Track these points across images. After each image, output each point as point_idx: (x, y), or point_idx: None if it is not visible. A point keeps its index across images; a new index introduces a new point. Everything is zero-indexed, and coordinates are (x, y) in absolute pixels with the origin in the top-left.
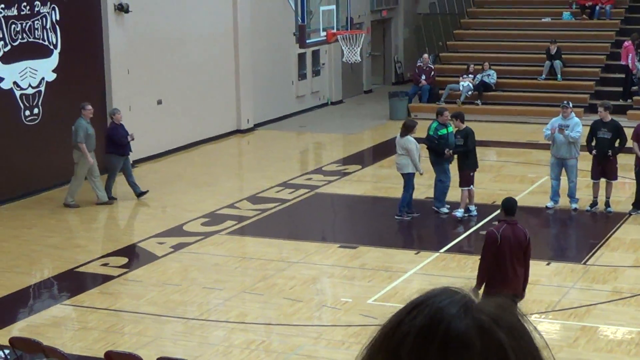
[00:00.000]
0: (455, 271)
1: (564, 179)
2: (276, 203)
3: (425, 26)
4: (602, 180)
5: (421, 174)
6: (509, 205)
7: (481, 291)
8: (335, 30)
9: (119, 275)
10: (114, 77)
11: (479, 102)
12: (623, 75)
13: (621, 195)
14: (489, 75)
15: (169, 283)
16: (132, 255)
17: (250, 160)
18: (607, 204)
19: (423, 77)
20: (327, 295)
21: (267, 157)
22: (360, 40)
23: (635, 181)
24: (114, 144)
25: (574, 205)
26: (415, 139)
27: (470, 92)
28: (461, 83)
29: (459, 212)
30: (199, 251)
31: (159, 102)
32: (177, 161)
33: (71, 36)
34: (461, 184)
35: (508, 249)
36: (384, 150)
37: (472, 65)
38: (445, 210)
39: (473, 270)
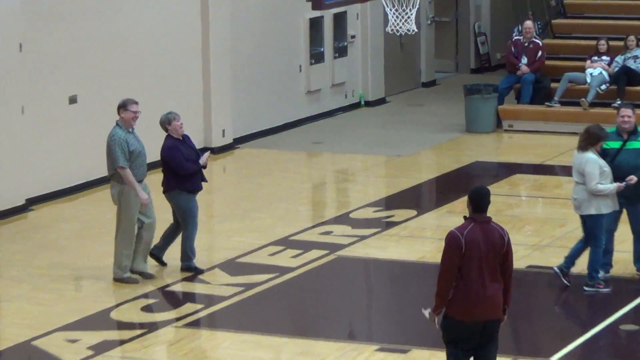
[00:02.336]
0: None
1: None
2: (271, 274)
3: None
4: None
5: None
6: (478, 196)
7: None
8: None
9: None
10: None
11: (619, 102)
12: None
13: None
14: (636, 57)
15: None
16: None
17: (226, 199)
18: None
19: (524, 59)
20: None
21: (256, 194)
22: None
23: None
24: (174, 173)
25: None
26: None
27: (605, 86)
28: (589, 71)
29: None
30: (137, 355)
31: (73, 101)
32: (103, 199)
33: None
34: None
35: (477, 257)
36: (455, 185)
37: (605, 41)
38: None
39: None
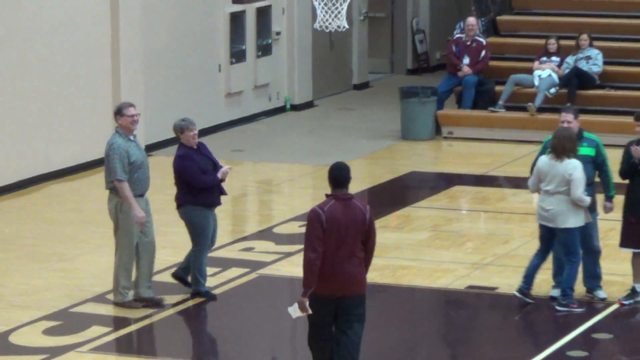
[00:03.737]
0: None
1: None
2: (185, 295)
3: None
4: None
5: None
6: (336, 172)
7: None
8: None
9: None
10: None
11: (569, 107)
12: None
13: None
14: (589, 57)
15: None
16: None
17: None
18: None
19: (466, 60)
20: None
21: (169, 207)
22: None
23: None
24: (187, 185)
25: None
26: None
27: (554, 90)
28: (537, 72)
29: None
30: None
31: None
32: None
33: None
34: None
35: (336, 233)
36: (389, 197)
37: (554, 40)
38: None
39: None
